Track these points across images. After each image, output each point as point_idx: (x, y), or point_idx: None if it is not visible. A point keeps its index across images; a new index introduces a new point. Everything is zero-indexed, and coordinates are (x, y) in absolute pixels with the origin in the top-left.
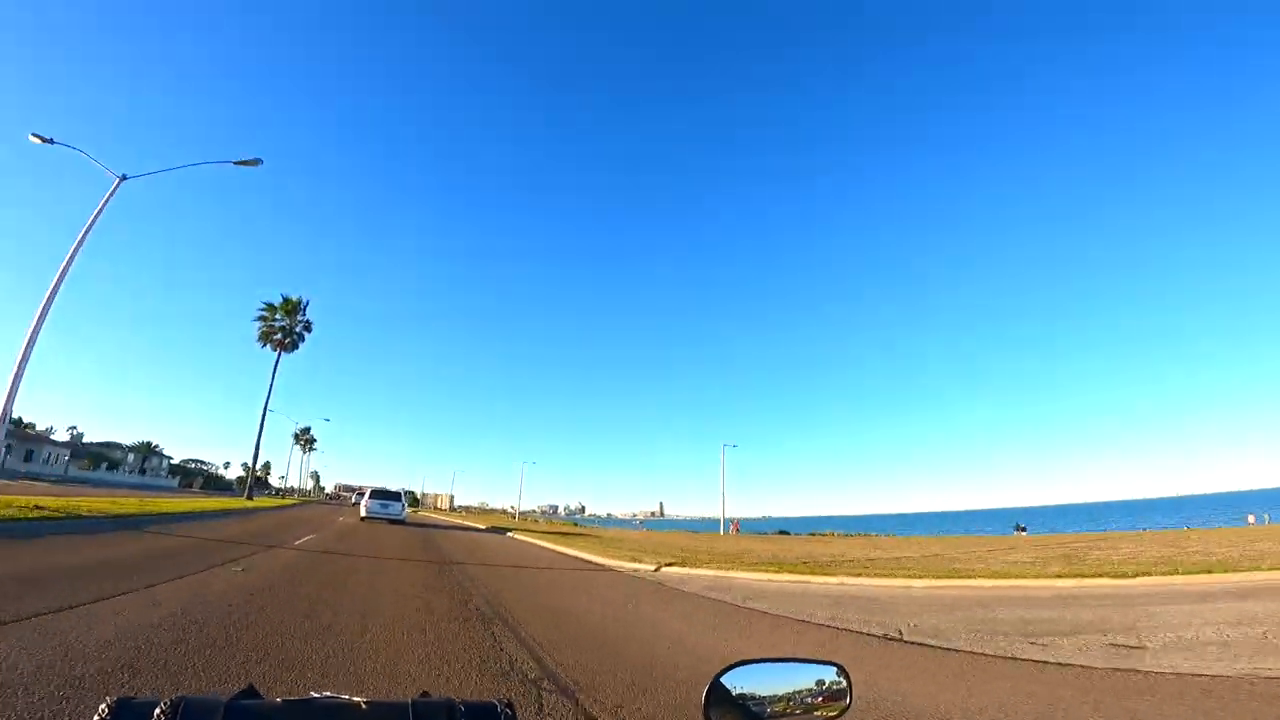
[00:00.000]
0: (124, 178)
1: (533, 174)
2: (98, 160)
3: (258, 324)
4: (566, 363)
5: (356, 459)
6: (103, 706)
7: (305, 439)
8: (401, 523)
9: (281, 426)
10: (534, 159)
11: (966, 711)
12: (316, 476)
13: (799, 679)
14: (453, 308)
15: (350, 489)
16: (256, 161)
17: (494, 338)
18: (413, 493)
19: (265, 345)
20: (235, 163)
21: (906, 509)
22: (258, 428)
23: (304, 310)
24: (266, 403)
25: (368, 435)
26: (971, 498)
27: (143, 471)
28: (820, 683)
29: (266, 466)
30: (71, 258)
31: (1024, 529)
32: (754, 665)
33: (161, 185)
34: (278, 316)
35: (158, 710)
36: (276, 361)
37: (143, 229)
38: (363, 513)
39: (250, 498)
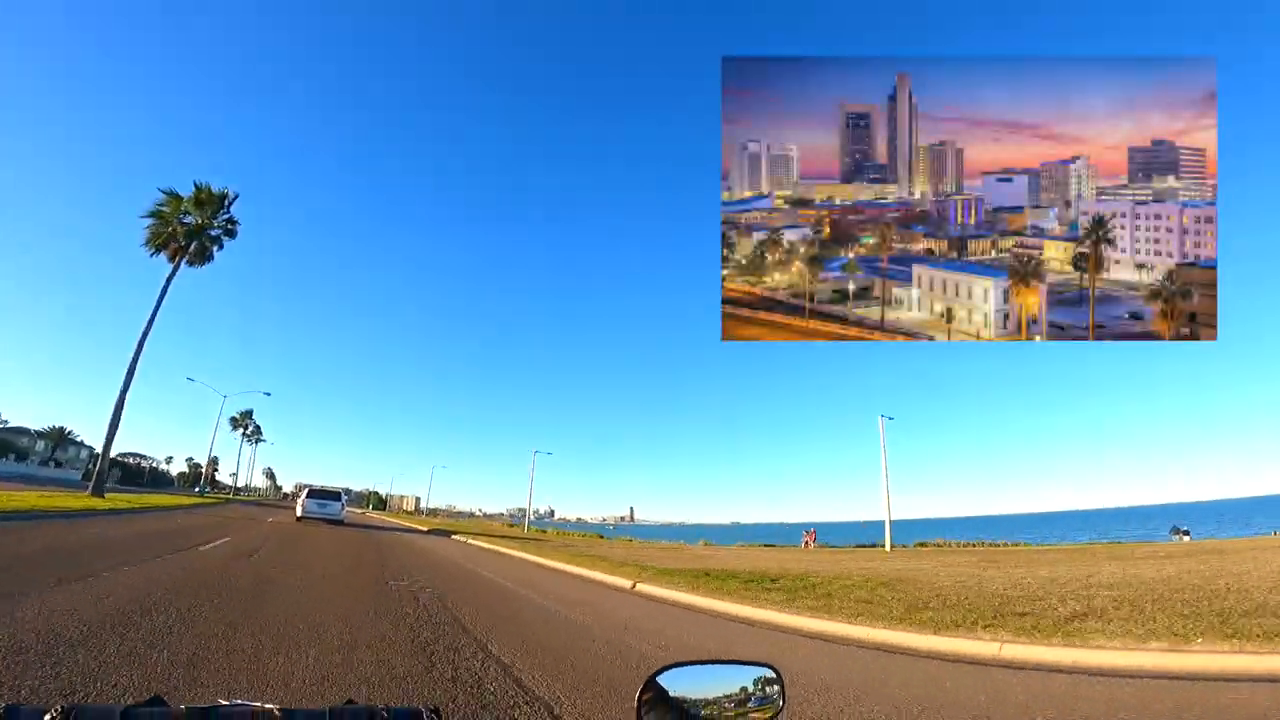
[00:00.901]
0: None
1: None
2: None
3: (150, 222)
4: (544, 367)
5: (329, 460)
6: None
7: (245, 424)
8: (340, 523)
9: (212, 407)
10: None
11: None
12: (271, 474)
13: (734, 681)
14: (441, 307)
15: (330, 490)
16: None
17: (493, 336)
18: (378, 493)
19: (158, 253)
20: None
21: (1038, 508)
22: (121, 385)
23: (228, 207)
24: (140, 346)
25: (340, 437)
26: (1111, 495)
27: (55, 463)
28: (756, 684)
29: (214, 462)
30: None
31: (1186, 533)
32: (688, 667)
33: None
34: (184, 212)
35: (47, 718)
36: (171, 276)
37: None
38: (299, 512)
39: (100, 493)
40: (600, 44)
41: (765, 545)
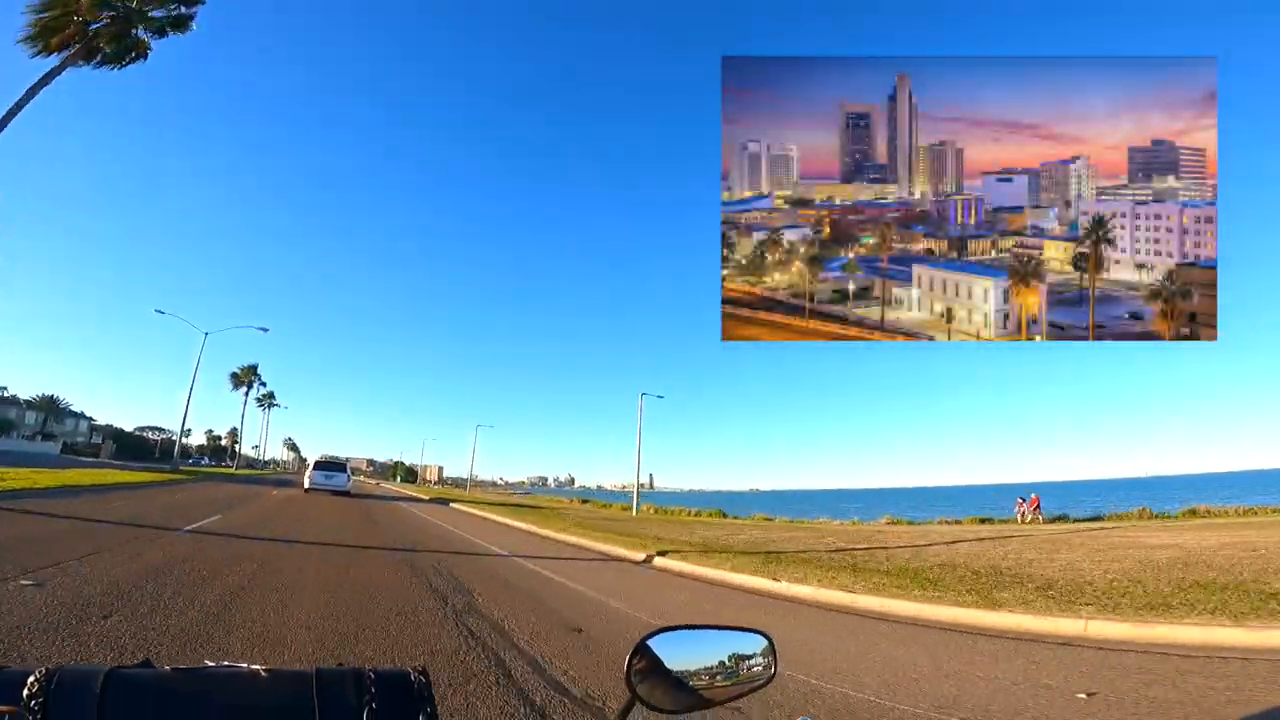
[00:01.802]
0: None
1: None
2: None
3: (30, 16)
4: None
5: (359, 430)
6: None
7: (247, 380)
8: (346, 494)
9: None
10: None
11: None
12: (294, 446)
13: (725, 647)
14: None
15: (336, 461)
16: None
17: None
18: (404, 464)
19: (42, 53)
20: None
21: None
22: None
23: None
24: None
25: (369, 407)
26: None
27: (44, 436)
28: (747, 650)
29: (235, 433)
30: None
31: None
32: (680, 632)
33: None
34: None
35: (31, 679)
36: (54, 72)
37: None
38: (306, 484)
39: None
40: (598, 45)
41: (979, 519)
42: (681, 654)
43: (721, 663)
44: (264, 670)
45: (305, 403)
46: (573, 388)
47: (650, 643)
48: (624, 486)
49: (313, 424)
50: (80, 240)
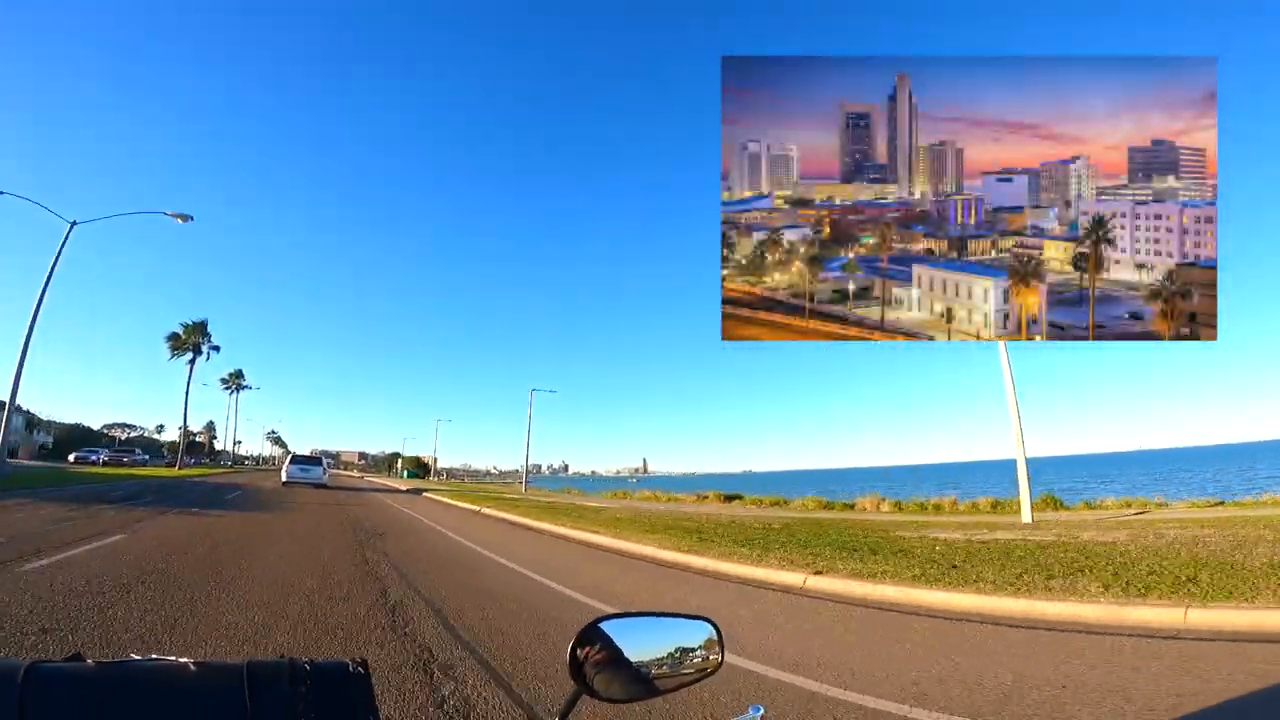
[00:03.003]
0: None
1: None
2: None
3: None
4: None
5: (351, 425)
6: None
7: (191, 341)
8: (323, 486)
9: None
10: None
11: None
12: (280, 440)
13: (671, 635)
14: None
15: (329, 456)
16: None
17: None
18: (419, 459)
19: None
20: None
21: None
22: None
23: None
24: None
25: (358, 401)
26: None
27: None
28: (693, 639)
29: (211, 427)
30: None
31: None
32: (624, 620)
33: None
34: None
35: None
36: None
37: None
38: (283, 478)
39: None
40: (598, 44)
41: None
42: (627, 641)
43: (668, 652)
44: (193, 663)
45: (299, 398)
46: (567, 376)
47: (594, 629)
48: (618, 472)
49: (304, 419)
50: None
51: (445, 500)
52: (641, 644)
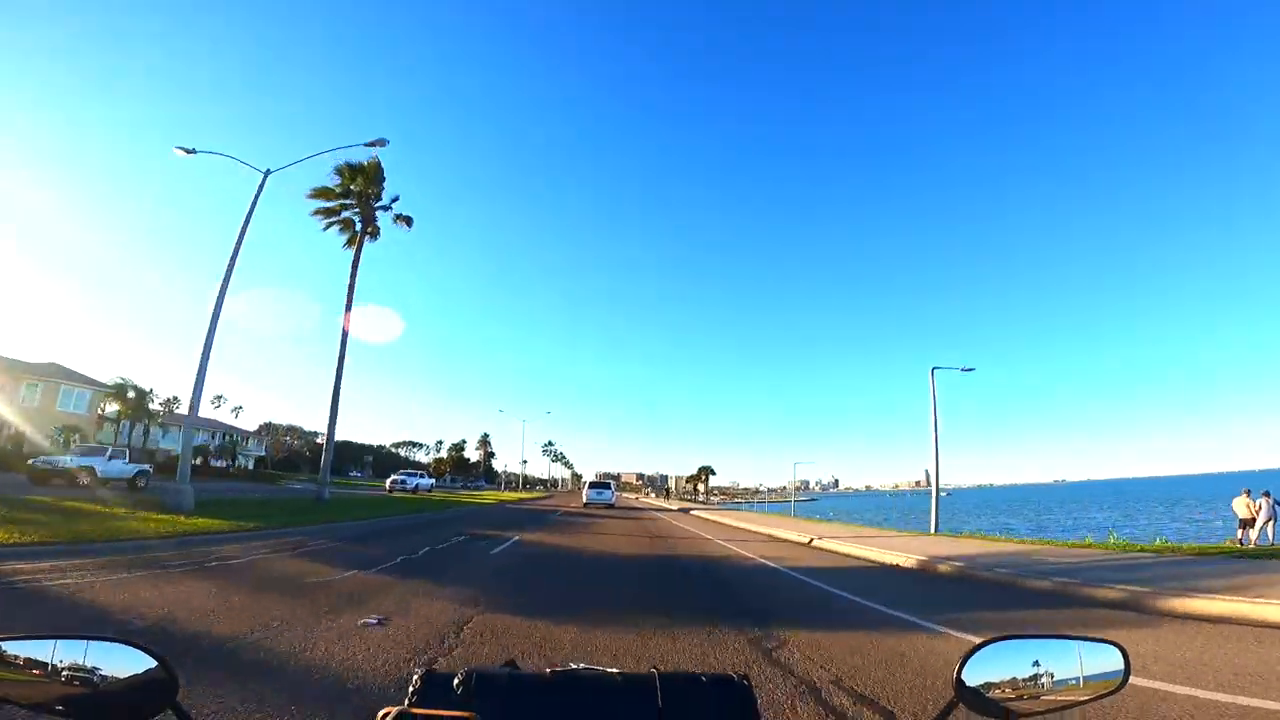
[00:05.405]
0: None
1: None
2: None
3: None
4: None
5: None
6: (415, 678)
7: (368, 191)
8: (611, 506)
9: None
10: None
11: None
12: (568, 463)
13: (1064, 658)
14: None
15: (612, 478)
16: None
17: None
18: (708, 467)
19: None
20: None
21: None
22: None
23: None
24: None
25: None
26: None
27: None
28: (1090, 663)
29: (486, 440)
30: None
31: None
32: (1013, 641)
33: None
34: None
35: (456, 680)
36: None
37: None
38: (584, 499)
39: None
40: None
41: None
42: (1013, 665)
43: (1061, 675)
44: (619, 674)
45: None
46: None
47: (980, 653)
48: (896, 485)
49: (583, 445)
50: None
51: (703, 516)
52: (1029, 667)
